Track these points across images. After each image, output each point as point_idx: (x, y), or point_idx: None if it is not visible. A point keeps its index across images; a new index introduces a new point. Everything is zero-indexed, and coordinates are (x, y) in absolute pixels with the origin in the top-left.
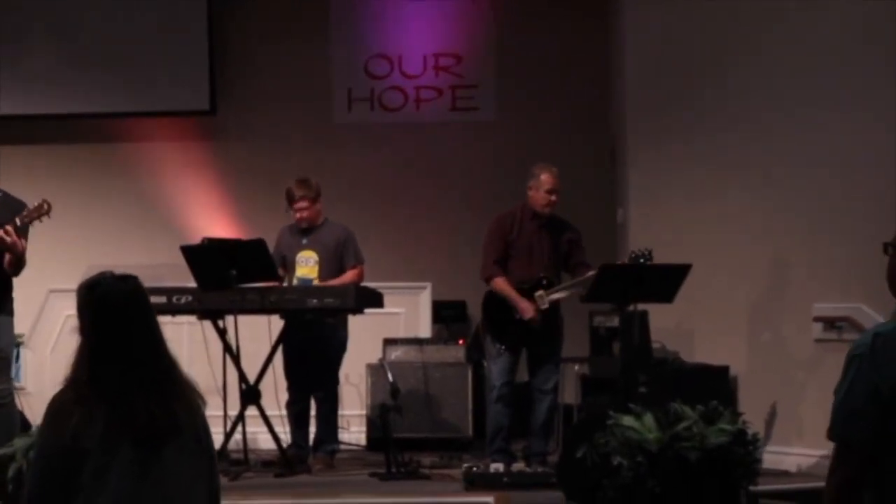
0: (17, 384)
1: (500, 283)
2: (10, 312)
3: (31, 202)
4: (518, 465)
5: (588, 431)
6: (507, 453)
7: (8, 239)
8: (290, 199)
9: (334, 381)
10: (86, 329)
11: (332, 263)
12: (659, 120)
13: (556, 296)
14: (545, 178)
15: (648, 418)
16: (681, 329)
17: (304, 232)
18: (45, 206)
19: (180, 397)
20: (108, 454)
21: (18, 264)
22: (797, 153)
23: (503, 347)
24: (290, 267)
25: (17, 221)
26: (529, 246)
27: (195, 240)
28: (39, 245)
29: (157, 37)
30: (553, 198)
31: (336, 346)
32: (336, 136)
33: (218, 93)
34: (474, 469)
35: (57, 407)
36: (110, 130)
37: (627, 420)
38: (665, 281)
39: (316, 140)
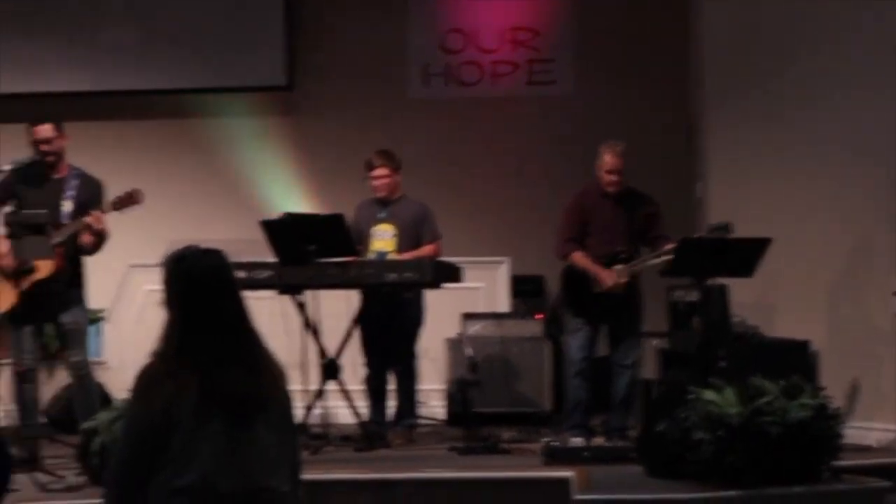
0: (98, 359)
1: (578, 257)
2: (83, 285)
3: (109, 178)
4: (597, 440)
5: (668, 406)
6: (586, 428)
7: (97, 226)
8: (370, 168)
9: (412, 356)
10: (172, 302)
11: (410, 238)
12: (739, 95)
13: (634, 270)
14: (606, 159)
15: (729, 393)
16: (761, 303)
17: (382, 205)
18: (139, 197)
19: (265, 371)
20: (198, 427)
21: (99, 247)
22: (878, 129)
23: (582, 322)
24: (365, 240)
25: (109, 207)
26: (606, 222)
27: (274, 215)
28: (119, 221)
29: (234, 12)
30: (613, 178)
31: (413, 321)
32: (412, 111)
33: (295, 68)
34: (553, 443)
35: (147, 380)
36: (188, 106)
37: (708, 394)
38: (745, 255)
39: (392, 115)
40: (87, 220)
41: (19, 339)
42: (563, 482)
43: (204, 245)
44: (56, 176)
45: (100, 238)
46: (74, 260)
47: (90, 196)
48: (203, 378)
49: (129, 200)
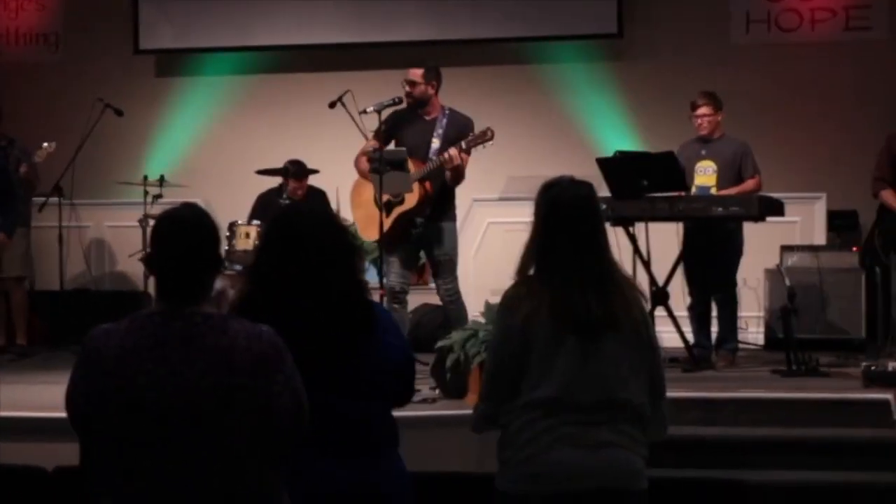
0: None
1: (885, 195)
2: (453, 219)
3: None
4: None
5: None
6: None
7: (451, 164)
8: (694, 107)
9: (733, 285)
10: (536, 226)
11: (730, 173)
12: None
13: None
14: None
15: None
16: None
17: (704, 143)
18: (489, 134)
19: (619, 295)
20: (552, 341)
21: (458, 180)
22: None
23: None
24: (688, 176)
25: (463, 145)
26: None
27: (605, 153)
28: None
29: None
30: None
31: (734, 252)
32: (734, 56)
33: (624, 17)
34: (873, 367)
35: (508, 301)
36: (526, 53)
37: None
38: None
39: (715, 59)
40: (443, 157)
41: (389, 263)
42: (884, 404)
43: (540, 181)
44: (428, 118)
45: (456, 175)
46: (444, 195)
47: (457, 133)
48: (555, 297)
49: (481, 138)
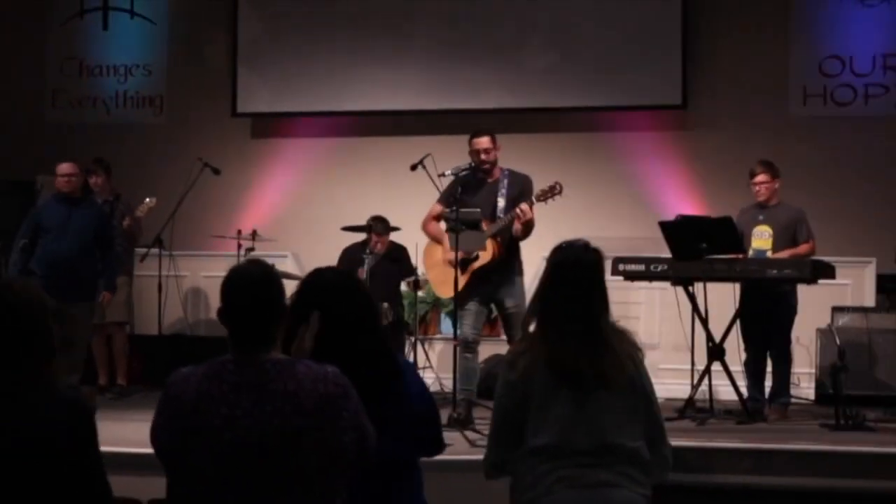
0: None
1: None
2: (521, 273)
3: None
4: None
5: None
6: None
7: (524, 217)
8: (752, 175)
9: (787, 342)
10: (540, 285)
11: (785, 238)
12: None
13: None
14: None
15: None
16: None
17: (761, 209)
18: (558, 188)
19: (609, 353)
20: (548, 393)
21: (528, 233)
22: None
23: None
24: (746, 240)
25: (533, 199)
26: None
27: (670, 216)
28: (538, 218)
29: (637, 41)
30: None
31: (788, 311)
32: (791, 127)
33: (688, 89)
34: None
35: (510, 357)
36: (595, 121)
37: None
38: None
39: (773, 130)
40: (516, 211)
41: (462, 316)
42: None
43: (605, 242)
44: (490, 180)
45: (527, 227)
46: (512, 250)
47: (519, 190)
48: (550, 354)
49: (550, 192)
